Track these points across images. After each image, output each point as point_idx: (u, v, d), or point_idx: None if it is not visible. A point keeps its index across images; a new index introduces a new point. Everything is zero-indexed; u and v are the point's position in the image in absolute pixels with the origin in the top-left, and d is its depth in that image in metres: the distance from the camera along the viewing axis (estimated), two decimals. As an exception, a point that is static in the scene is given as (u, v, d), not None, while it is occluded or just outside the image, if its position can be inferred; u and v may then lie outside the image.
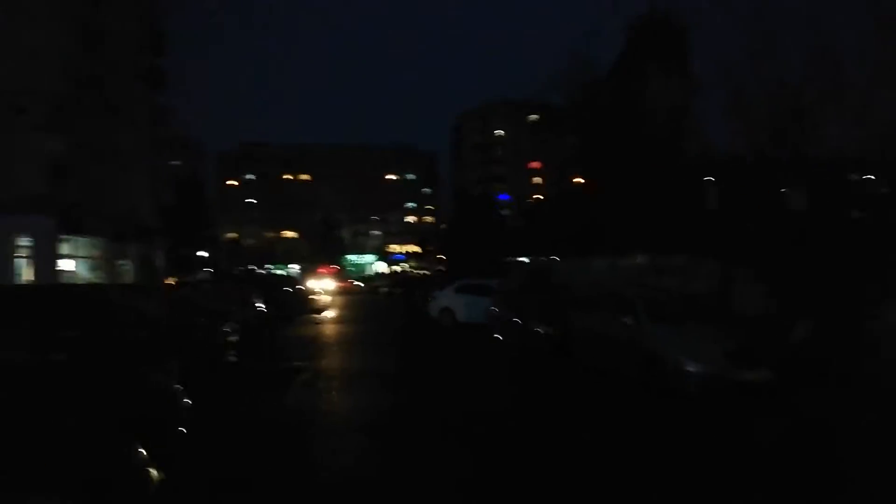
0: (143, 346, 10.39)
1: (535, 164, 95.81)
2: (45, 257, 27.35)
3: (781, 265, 11.16)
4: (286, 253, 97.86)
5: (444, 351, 16.06)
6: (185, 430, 6.88)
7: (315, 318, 26.66)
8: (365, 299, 43.90)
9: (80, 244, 31.08)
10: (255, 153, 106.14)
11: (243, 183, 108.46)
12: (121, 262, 35.72)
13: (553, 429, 7.97)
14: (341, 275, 68.32)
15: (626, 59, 21.37)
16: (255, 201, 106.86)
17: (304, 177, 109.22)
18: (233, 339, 13.50)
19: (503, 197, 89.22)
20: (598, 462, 6.64)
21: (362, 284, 62.61)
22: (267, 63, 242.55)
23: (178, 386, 7.27)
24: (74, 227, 29.57)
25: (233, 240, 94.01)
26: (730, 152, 11.55)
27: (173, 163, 76.88)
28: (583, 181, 24.62)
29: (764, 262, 11.59)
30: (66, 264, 29.43)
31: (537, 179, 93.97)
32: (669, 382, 8.64)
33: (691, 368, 8.41)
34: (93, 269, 32.07)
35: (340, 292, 54.91)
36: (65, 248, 29.42)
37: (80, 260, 31.07)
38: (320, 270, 64.28)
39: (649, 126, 20.27)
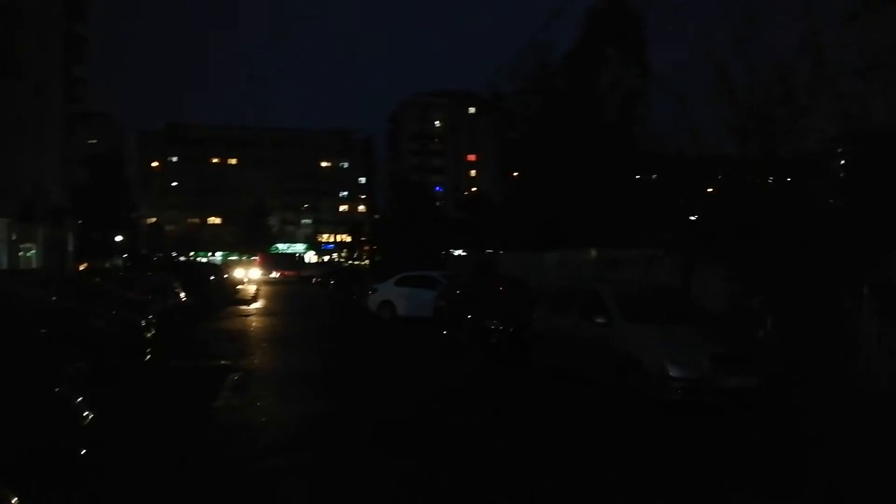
0: (42, 345, 8.86)
1: (472, 157, 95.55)
2: (-66, 239, 24.44)
3: (747, 257, 10.65)
4: (211, 240, 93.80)
5: (389, 349, 14.94)
6: (86, 453, 5.56)
7: (242, 309, 24.96)
8: (294, 290, 42.07)
9: (-22, 225, 28.11)
10: (181, 133, 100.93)
11: (167, 164, 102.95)
12: (25, 245, 32.65)
13: (522, 441, 7.05)
14: (280, 262, 64.20)
15: (583, 45, 20.80)
16: (178, 184, 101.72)
17: (233, 160, 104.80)
18: (150, 333, 12.00)
19: (438, 189, 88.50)
20: (575, 481, 5.75)
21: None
22: (201, 42, 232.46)
23: (80, 396, 5.90)
24: (-29, 206, 26.67)
25: (153, 224, 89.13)
26: (712, 143, 11.02)
27: (90, 141, 72.25)
28: (529, 172, 23.95)
29: (729, 253, 11.06)
30: (-41, 247, 26.54)
31: (474, 172, 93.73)
32: (649, 389, 7.86)
33: (674, 374, 7.64)
34: (-8, 252, 29.08)
35: (279, 282, 52.56)
36: (-41, 229, 26.50)
37: (-24, 242, 28.09)
38: (257, 260, 61.30)
39: (603, 113, 19.76)
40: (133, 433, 7.02)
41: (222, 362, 11.91)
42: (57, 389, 5.97)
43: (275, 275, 57.79)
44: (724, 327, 9.30)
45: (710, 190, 13.66)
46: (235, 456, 6.46)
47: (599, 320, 8.89)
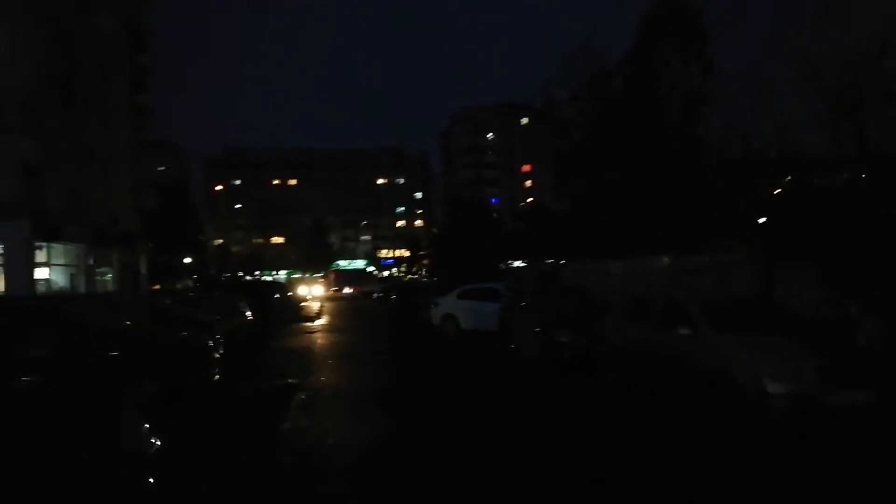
0: (110, 369, 8.87)
1: (527, 168, 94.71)
2: (18, 266, 25.58)
3: (843, 260, 9.80)
4: (275, 259, 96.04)
5: (455, 364, 14.55)
6: (152, 483, 5.38)
7: (307, 326, 25.12)
8: (356, 305, 42.31)
9: (57, 251, 29.35)
10: (243, 158, 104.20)
11: (230, 188, 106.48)
12: (101, 269, 33.97)
13: (607, 466, 6.52)
14: (352, 279, 63.20)
15: (640, 45, 20.05)
16: (242, 206, 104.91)
17: (293, 181, 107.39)
18: (218, 353, 11.98)
19: (493, 201, 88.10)
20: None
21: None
22: (256, 68, 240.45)
23: (146, 423, 5.75)
24: (50, 234, 27.87)
25: (220, 245, 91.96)
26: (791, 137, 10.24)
27: (159, 168, 75.18)
28: (589, 179, 23.23)
29: (821, 257, 10.22)
30: (41, 273, 27.73)
31: (529, 182, 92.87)
32: (743, 406, 7.19)
33: (774, 389, 6.95)
34: (71, 277, 30.33)
35: (342, 298, 52.93)
36: (40, 256, 27.70)
37: (56, 268, 29.32)
38: (323, 278, 61.14)
39: (665, 115, 18.91)
40: (201, 459, 6.86)
41: (289, 381, 11.80)
42: (123, 415, 5.84)
43: (348, 290, 57.60)
44: (826, 336, 8.49)
45: (792, 190, 12.76)
46: (306, 481, 6.20)
47: (683, 331, 8.25)
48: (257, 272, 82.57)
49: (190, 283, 46.30)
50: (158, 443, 5.68)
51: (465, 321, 19.86)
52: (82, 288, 29.91)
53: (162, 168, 77.81)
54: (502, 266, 40.57)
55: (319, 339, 19.96)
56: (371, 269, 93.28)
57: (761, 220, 14.14)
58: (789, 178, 13.43)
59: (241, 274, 71.75)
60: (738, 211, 14.85)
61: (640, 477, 6.11)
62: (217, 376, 11.35)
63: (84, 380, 7.43)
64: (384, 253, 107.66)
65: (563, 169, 26.29)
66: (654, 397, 9.03)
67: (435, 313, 20.99)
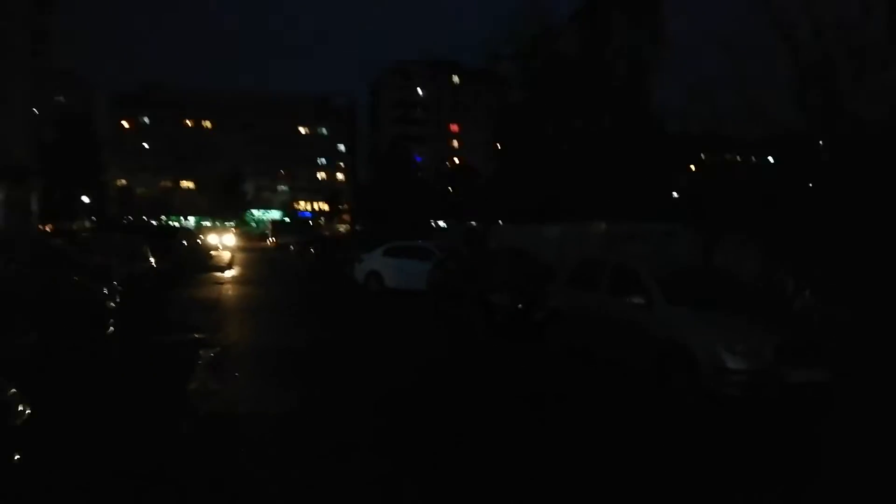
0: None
1: (455, 127, 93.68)
2: None
3: (791, 234, 9.63)
4: (184, 205, 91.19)
5: (380, 324, 13.71)
6: (18, 460, 4.31)
7: (217, 276, 23.53)
8: (272, 257, 40.54)
9: (-70, 181, 26.11)
10: (155, 95, 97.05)
11: (139, 126, 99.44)
12: (-16, 204, 30.60)
13: (552, 441, 5.94)
14: (290, 229, 58.51)
15: (589, 7, 19.33)
16: (150, 147, 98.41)
17: (207, 124, 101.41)
18: (114, 302, 10.62)
19: (417, 159, 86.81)
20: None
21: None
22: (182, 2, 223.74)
23: (13, 387, 4.61)
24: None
25: (124, 187, 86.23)
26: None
27: (58, 98, 68.96)
28: (525, 140, 22.58)
29: (765, 230, 10.04)
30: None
31: (456, 143, 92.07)
32: (698, 381, 6.79)
33: (732, 365, 6.56)
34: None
35: (255, 249, 50.36)
36: None
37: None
38: (235, 227, 57.86)
39: (610, 81, 18.41)
40: (85, 430, 5.74)
41: (196, 336, 10.63)
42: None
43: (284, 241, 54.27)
44: (784, 312, 8.24)
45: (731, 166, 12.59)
46: (212, 461, 5.24)
47: (636, 300, 7.75)
48: (163, 217, 78.04)
49: (87, 223, 42.85)
50: (28, 411, 4.59)
51: (390, 279, 18.98)
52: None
53: (62, 99, 71.45)
54: (428, 224, 39.94)
55: (230, 291, 18.60)
56: (300, 219, 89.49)
57: (690, 195, 13.99)
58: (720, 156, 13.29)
59: (145, 218, 67.48)
60: (676, 182, 14.64)
61: (582, 448, 5.55)
62: (111, 328, 10.04)
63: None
64: (302, 205, 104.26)
65: (502, 127, 25.44)
66: (598, 365, 8.57)
67: (359, 270, 19.98)
